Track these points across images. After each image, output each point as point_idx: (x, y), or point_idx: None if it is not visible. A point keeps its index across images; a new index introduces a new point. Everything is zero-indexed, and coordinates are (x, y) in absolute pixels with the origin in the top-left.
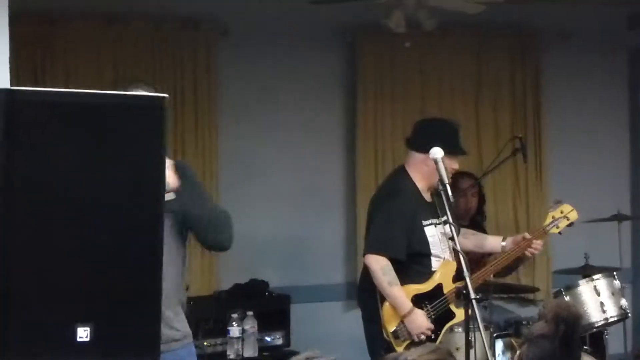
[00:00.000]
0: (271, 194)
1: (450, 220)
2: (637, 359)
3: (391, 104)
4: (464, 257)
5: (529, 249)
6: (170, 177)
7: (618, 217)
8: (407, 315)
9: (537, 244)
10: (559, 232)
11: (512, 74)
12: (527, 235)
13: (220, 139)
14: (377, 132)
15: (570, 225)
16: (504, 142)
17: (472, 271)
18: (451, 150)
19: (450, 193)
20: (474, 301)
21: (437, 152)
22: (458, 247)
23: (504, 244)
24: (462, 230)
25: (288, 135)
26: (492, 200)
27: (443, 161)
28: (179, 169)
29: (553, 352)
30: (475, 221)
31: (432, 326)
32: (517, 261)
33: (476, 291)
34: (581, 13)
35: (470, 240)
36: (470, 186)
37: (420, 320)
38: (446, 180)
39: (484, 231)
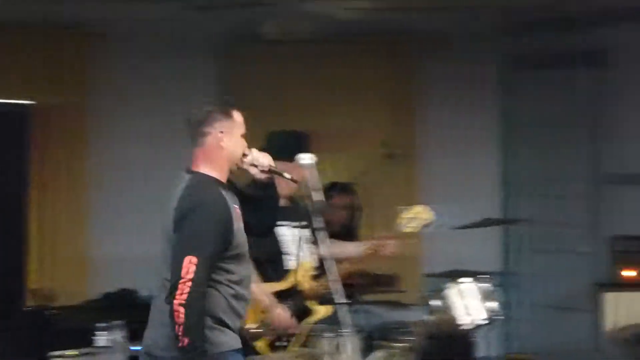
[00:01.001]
0: (143, 205)
1: (319, 225)
2: None
3: (266, 111)
4: (329, 261)
5: (382, 248)
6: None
7: (487, 222)
8: (269, 310)
9: (389, 243)
10: (415, 232)
11: (387, 80)
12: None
13: (90, 148)
14: (253, 137)
15: (426, 225)
16: (377, 149)
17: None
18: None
19: (320, 198)
20: (341, 305)
21: (305, 158)
22: (324, 252)
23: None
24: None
25: (162, 145)
26: (365, 205)
27: (309, 168)
28: None
29: None
30: (350, 227)
31: (293, 321)
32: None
33: (346, 295)
34: (455, 20)
35: (332, 247)
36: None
37: (283, 316)
38: (316, 186)
39: (357, 238)
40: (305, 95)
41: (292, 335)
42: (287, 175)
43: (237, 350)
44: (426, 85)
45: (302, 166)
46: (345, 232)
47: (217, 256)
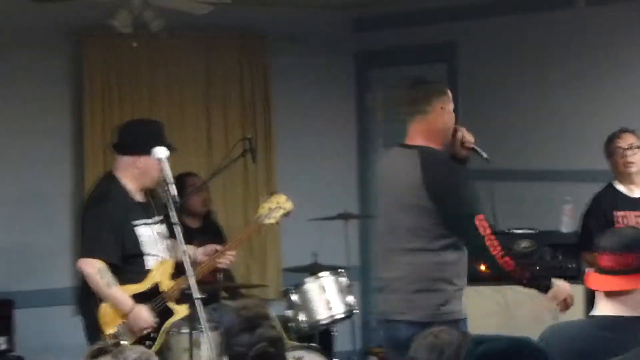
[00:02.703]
0: None
1: (175, 220)
2: (367, 355)
3: (119, 105)
4: (188, 256)
5: (221, 259)
6: None
7: (345, 216)
8: (131, 312)
9: (231, 254)
10: (276, 223)
11: (241, 76)
12: (218, 247)
13: None
14: (106, 134)
15: (286, 214)
16: (233, 143)
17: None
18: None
19: (175, 192)
20: (198, 301)
21: (160, 151)
22: (184, 247)
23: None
24: None
25: (10, 139)
26: (222, 201)
27: (164, 161)
28: None
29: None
30: (209, 220)
31: (156, 320)
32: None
33: (203, 291)
34: (308, 16)
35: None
36: (197, 188)
37: (145, 315)
38: (171, 180)
39: (220, 231)
40: (159, 90)
41: (154, 338)
42: (484, 154)
43: None
44: (282, 81)
45: (157, 160)
46: (203, 225)
47: None
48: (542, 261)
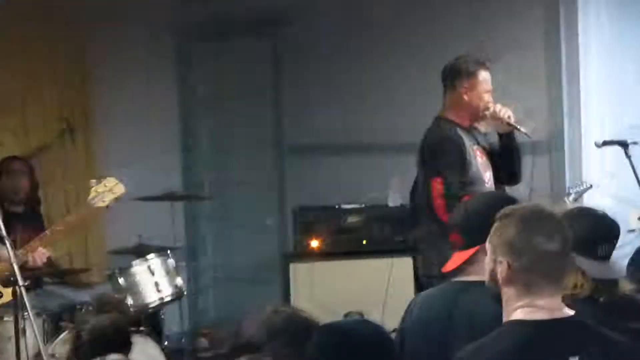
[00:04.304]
0: None
1: None
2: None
3: None
4: (10, 242)
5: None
6: None
7: (171, 196)
8: None
9: (40, 253)
10: (107, 206)
11: (58, 52)
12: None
13: None
14: None
15: (117, 199)
16: (51, 124)
17: None
18: None
19: None
20: (22, 288)
21: None
22: (3, 232)
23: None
24: None
25: None
26: (42, 184)
27: None
28: None
29: None
30: (31, 205)
31: None
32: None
33: (25, 278)
34: None
35: None
36: (14, 162)
37: None
38: None
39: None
40: None
41: None
42: (523, 129)
43: None
44: (101, 57)
45: None
46: (29, 209)
47: None
48: (370, 235)
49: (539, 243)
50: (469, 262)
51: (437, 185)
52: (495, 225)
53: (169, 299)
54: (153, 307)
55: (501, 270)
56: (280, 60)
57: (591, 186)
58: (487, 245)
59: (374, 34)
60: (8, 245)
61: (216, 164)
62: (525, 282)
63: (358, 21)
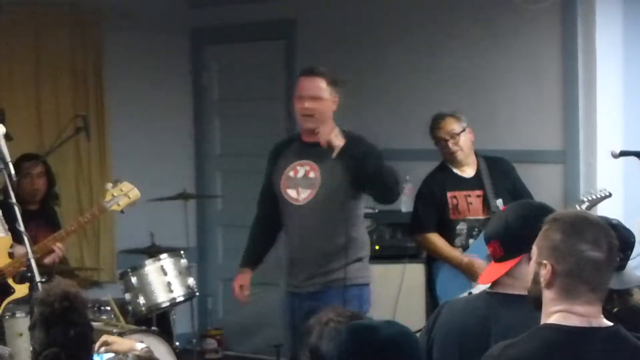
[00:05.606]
0: None
1: (13, 199)
2: (205, 337)
3: None
4: (28, 238)
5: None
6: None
7: (183, 196)
8: None
9: (56, 250)
10: (121, 211)
11: (73, 53)
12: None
13: None
14: None
15: (132, 204)
16: (65, 121)
17: None
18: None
19: (12, 172)
20: (37, 284)
21: None
22: (22, 227)
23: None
24: None
25: None
26: (60, 181)
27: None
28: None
29: None
30: (47, 203)
31: None
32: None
33: (43, 273)
34: None
35: None
36: (32, 166)
37: None
38: (8, 159)
39: (56, 214)
40: None
41: None
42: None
43: None
44: (116, 59)
45: None
46: (44, 207)
47: None
48: (382, 240)
49: (584, 249)
50: (507, 274)
51: None
52: (544, 228)
53: (181, 299)
54: (164, 308)
55: (544, 273)
56: (294, 62)
57: (610, 194)
58: (533, 248)
59: (384, 39)
60: (27, 241)
61: (228, 166)
62: (566, 286)
63: (372, 24)
